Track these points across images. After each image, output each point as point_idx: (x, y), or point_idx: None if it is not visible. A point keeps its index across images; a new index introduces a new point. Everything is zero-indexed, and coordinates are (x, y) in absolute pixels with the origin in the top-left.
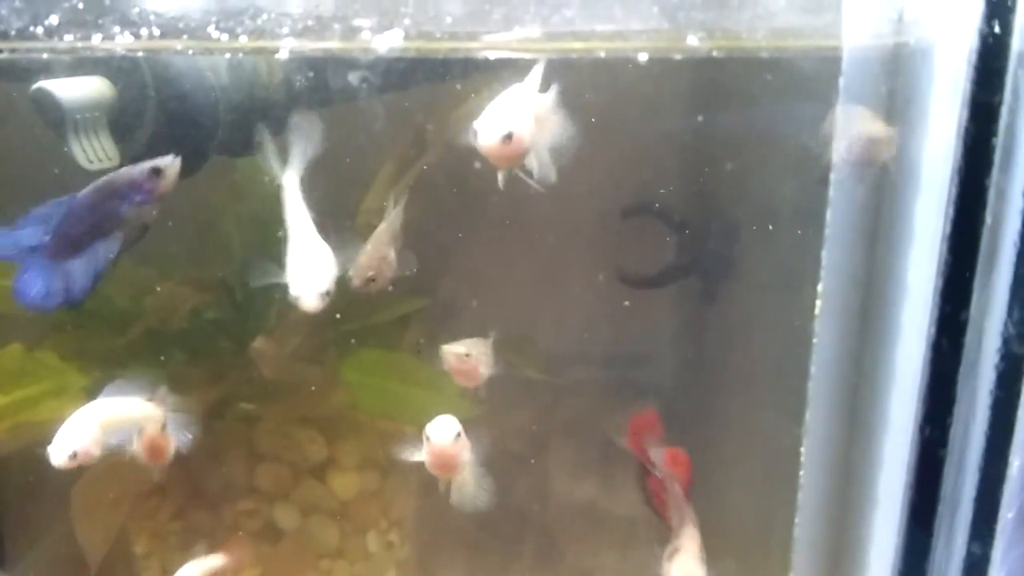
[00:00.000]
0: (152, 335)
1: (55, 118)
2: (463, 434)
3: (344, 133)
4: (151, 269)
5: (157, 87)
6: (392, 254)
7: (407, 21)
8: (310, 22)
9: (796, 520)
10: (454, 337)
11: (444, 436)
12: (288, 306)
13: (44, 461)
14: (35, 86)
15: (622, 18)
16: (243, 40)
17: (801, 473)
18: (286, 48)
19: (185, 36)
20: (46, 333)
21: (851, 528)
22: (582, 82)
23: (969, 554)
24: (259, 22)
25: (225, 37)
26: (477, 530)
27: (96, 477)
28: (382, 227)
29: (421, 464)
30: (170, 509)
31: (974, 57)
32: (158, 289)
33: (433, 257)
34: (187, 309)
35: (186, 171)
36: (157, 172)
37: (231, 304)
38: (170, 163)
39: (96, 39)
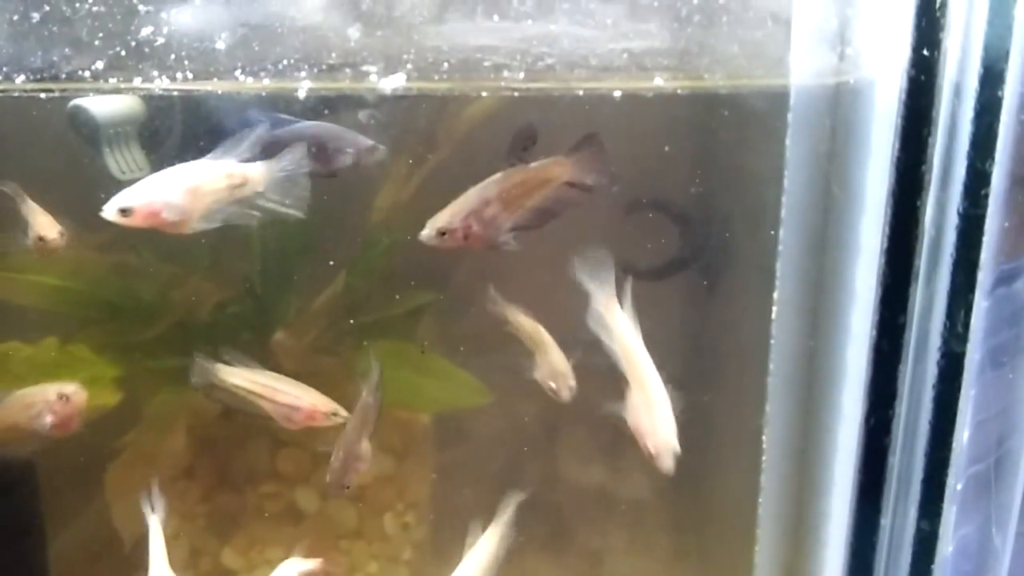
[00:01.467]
0: (178, 328)
1: (90, 133)
2: None
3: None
4: (176, 266)
5: (185, 103)
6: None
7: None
8: (324, 67)
9: (760, 500)
10: (465, 330)
11: None
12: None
13: (79, 446)
14: (72, 103)
15: (596, 64)
16: (265, 82)
17: (763, 458)
18: (303, 88)
19: (215, 79)
20: (78, 327)
21: (810, 507)
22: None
23: (919, 530)
24: (280, 67)
25: (250, 80)
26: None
27: (129, 462)
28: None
29: (434, 450)
30: (197, 492)
31: (904, 95)
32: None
33: (443, 252)
34: (211, 304)
35: None
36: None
37: (252, 299)
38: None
39: (136, 81)
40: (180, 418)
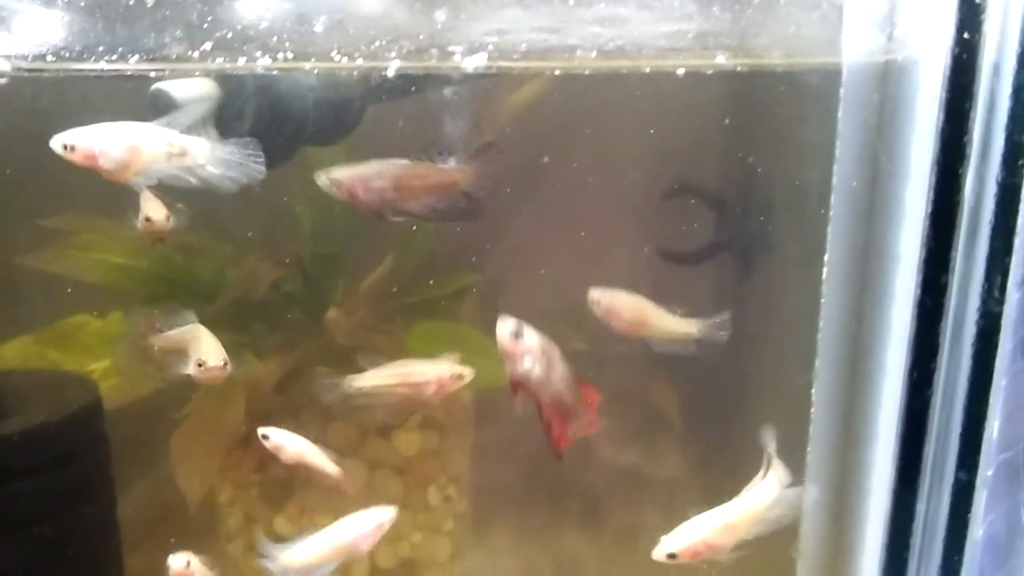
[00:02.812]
0: (235, 306)
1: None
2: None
3: (407, 123)
4: (232, 246)
5: (257, 86)
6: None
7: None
8: (413, 47)
9: (808, 450)
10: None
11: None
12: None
13: (146, 415)
14: (153, 87)
15: (663, 44)
16: (359, 61)
17: (812, 411)
18: (393, 68)
19: (313, 59)
20: (142, 303)
21: (854, 457)
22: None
23: (957, 480)
24: (372, 47)
25: (345, 59)
26: (526, 489)
27: (192, 428)
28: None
29: (476, 428)
30: (252, 462)
31: (948, 72)
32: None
33: (486, 235)
34: (267, 283)
35: (281, 159)
36: None
37: (304, 278)
38: None
39: (241, 61)
40: (236, 391)
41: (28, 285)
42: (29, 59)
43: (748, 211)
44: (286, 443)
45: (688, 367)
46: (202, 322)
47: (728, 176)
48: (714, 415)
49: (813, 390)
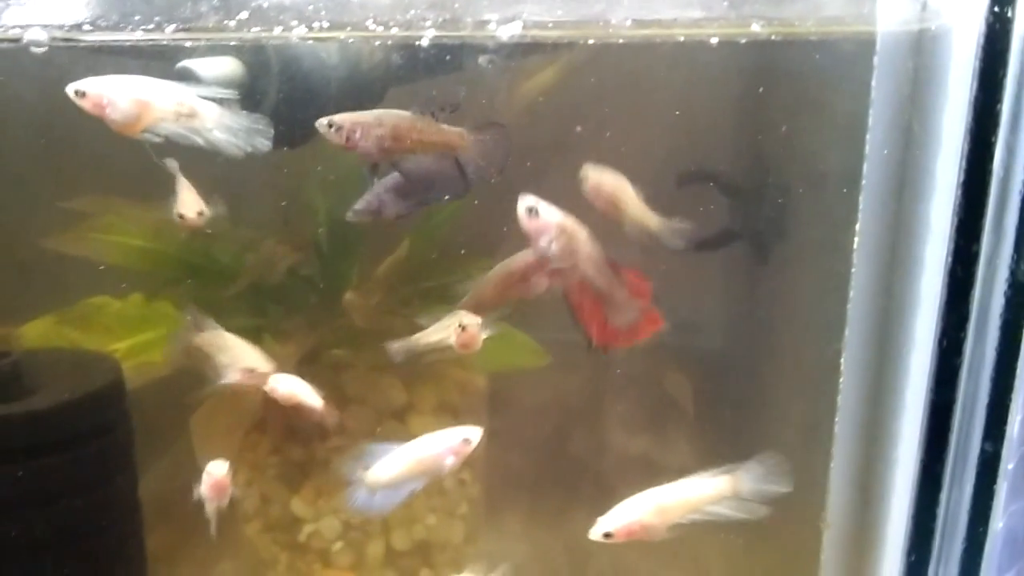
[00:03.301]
0: (253, 289)
1: None
2: None
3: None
4: (250, 230)
5: (280, 66)
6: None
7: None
8: (448, 15)
9: (836, 420)
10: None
11: None
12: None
13: (164, 393)
14: (179, 64)
15: (698, 14)
16: (394, 31)
17: (840, 382)
18: (427, 37)
19: (349, 28)
20: (162, 285)
21: (883, 426)
22: (659, 63)
23: (983, 451)
24: (408, 16)
25: (380, 29)
26: (538, 475)
27: (212, 408)
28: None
29: (489, 413)
30: (268, 445)
31: (982, 40)
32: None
33: (499, 220)
34: (285, 266)
35: (301, 140)
36: None
37: (320, 262)
38: None
39: (277, 30)
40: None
41: (50, 265)
42: (65, 28)
43: (780, 181)
44: (280, 384)
45: (710, 348)
46: (221, 305)
47: (761, 146)
48: (735, 396)
49: (842, 360)
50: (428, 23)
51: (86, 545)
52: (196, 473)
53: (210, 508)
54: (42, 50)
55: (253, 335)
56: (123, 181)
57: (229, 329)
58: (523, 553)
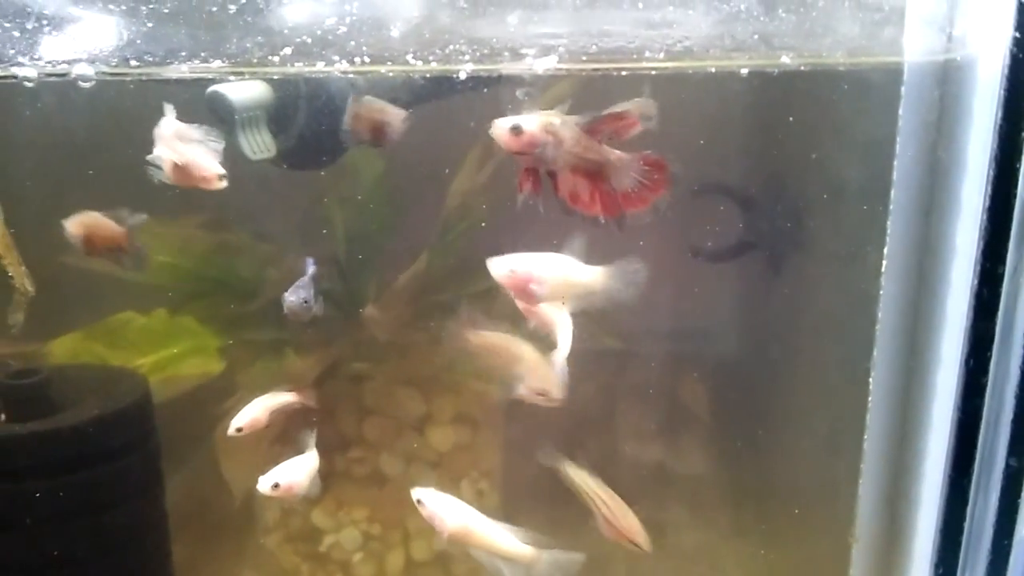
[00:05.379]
0: (275, 304)
1: (227, 116)
2: None
3: (441, 124)
4: (271, 245)
5: (308, 91)
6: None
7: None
8: (486, 50)
9: (865, 437)
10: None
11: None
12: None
13: (189, 408)
14: (210, 89)
15: (729, 45)
16: (433, 64)
17: (869, 399)
18: (464, 71)
19: (389, 63)
20: (186, 301)
21: (910, 444)
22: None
23: (1008, 466)
24: (447, 51)
25: (419, 63)
26: (555, 485)
27: None
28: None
29: (506, 423)
30: (290, 455)
31: (1006, 69)
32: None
33: (517, 234)
34: None
35: (330, 160)
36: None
37: (339, 276)
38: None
39: (320, 65)
40: (275, 386)
41: (76, 282)
42: (113, 64)
43: (811, 205)
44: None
45: (743, 363)
46: (242, 318)
47: (795, 171)
48: (765, 412)
49: (871, 378)
50: (466, 57)
51: (113, 559)
52: (217, 488)
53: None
54: (87, 85)
55: (275, 348)
56: (147, 197)
57: (252, 343)
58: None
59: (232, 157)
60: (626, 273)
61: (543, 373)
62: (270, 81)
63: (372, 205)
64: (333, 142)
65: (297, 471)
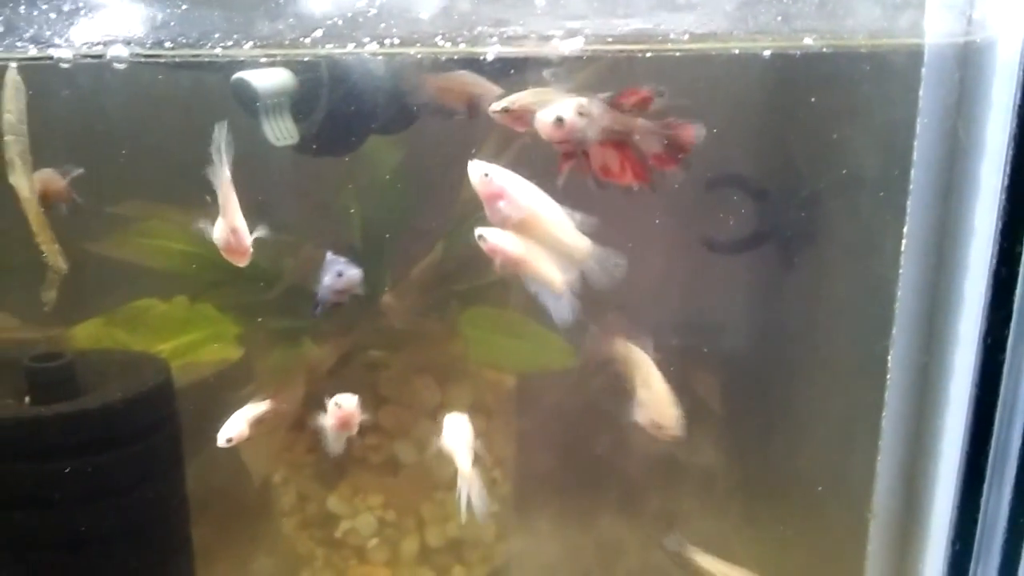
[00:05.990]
0: (292, 292)
1: (250, 103)
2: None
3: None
4: (288, 235)
5: (330, 78)
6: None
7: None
8: (514, 31)
9: (883, 415)
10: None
11: None
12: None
13: (207, 393)
14: (235, 76)
15: (752, 27)
16: (461, 46)
17: (887, 378)
18: (492, 52)
19: (418, 44)
20: (205, 288)
21: (928, 422)
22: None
23: None
24: (475, 32)
25: (448, 44)
26: (567, 475)
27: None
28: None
29: (519, 412)
30: (305, 443)
31: None
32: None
33: None
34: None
35: (351, 147)
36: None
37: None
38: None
39: (349, 46)
40: (292, 373)
41: (98, 268)
42: (148, 45)
43: (831, 186)
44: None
45: (762, 343)
46: (263, 306)
47: (814, 153)
48: (783, 391)
49: (890, 357)
50: (494, 39)
51: (136, 541)
52: (235, 471)
53: (335, 441)
54: (122, 66)
55: (292, 336)
56: (166, 186)
57: (266, 330)
58: (553, 553)
59: (252, 145)
60: (608, 260)
61: (664, 405)
62: (299, 63)
63: (389, 194)
64: (356, 129)
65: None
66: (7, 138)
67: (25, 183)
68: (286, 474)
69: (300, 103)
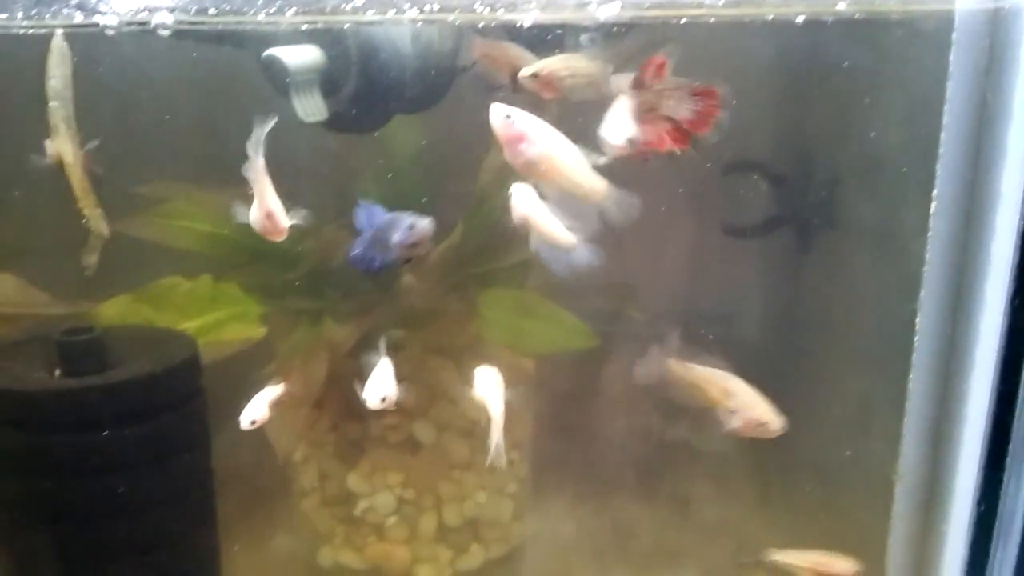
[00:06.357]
0: (314, 273)
1: (281, 79)
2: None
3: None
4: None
5: (359, 54)
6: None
7: None
8: None
9: (910, 377)
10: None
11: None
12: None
13: (234, 373)
14: (266, 52)
15: None
16: (500, 12)
17: (915, 338)
18: (530, 18)
19: (458, 10)
20: (228, 268)
21: (954, 385)
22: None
23: None
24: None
25: (487, 11)
26: (582, 458)
27: (281, 379)
28: None
29: (537, 394)
30: (326, 422)
31: None
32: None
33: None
34: (342, 252)
35: (380, 123)
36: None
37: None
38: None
39: (390, 13)
40: (314, 353)
41: (125, 246)
42: (192, 11)
43: (862, 152)
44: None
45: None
46: (286, 287)
47: (847, 116)
48: (813, 358)
49: (917, 317)
50: (532, 5)
51: (164, 511)
52: (256, 450)
53: None
54: (166, 33)
55: (314, 316)
56: (193, 166)
57: (288, 310)
58: (569, 535)
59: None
60: (624, 201)
61: (758, 404)
62: (329, 37)
63: (408, 176)
64: (384, 105)
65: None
66: (52, 103)
67: (69, 148)
68: (307, 452)
69: (329, 79)
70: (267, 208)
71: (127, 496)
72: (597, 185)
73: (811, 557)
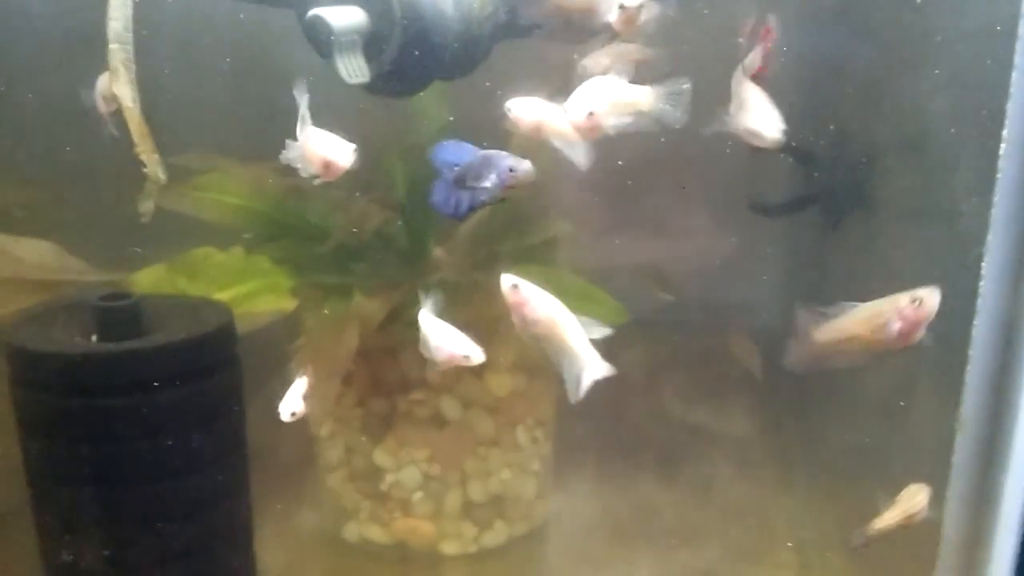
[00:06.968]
0: (344, 247)
1: (325, 40)
2: None
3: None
4: (341, 191)
5: (402, 17)
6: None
7: None
8: None
9: (974, 323)
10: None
11: None
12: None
13: (267, 343)
14: (310, 13)
15: None
16: None
17: (980, 284)
18: None
19: None
20: (260, 241)
21: (1019, 335)
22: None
23: None
24: None
25: None
26: (604, 440)
27: (302, 360)
28: None
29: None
30: (353, 398)
31: None
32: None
33: (578, 186)
34: (375, 225)
35: (418, 87)
36: (512, 169)
37: (404, 223)
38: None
39: None
40: (342, 327)
41: (158, 216)
42: None
43: (929, 122)
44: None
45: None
46: (316, 260)
47: (915, 89)
48: None
49: (983, 265)
50: None
51: (200, 475)
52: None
53: None
54: None
55: (343, 290)
56: (228, 138)
57: (318, 284)
58: (591, 513)
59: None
60: (672, 93)
61: (896, 300)
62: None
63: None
64: (423, 69)
65: None
66: (112, 46)
67: (128, 92)
68: (333, 428)
69: (371, 41)
70: (323, 158)
71: (162, 458)
72: (642, 93)
73: (898, 508)
